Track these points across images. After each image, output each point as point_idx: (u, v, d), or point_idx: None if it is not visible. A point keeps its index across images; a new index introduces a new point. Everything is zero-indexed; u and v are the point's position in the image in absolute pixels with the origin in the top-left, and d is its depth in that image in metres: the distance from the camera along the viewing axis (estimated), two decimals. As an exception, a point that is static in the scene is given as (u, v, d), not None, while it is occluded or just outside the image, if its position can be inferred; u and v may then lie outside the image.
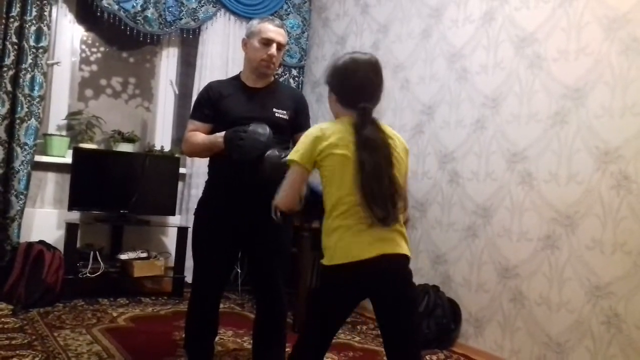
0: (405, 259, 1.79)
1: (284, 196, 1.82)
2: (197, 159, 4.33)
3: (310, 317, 1.87)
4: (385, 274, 1.75)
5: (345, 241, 1.74)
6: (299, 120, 2.52)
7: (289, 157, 1.82)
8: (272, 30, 2.39)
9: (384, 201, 1.71)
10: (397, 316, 1.76)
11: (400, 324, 1.77)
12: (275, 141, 2.37)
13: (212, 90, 2.45)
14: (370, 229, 1.72)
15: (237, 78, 2.52)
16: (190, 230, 4.07)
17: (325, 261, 1.78)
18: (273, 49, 2.38)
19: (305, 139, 1.81)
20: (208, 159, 2.52)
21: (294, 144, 2.54)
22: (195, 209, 2.51)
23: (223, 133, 2.28)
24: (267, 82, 2.48)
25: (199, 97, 2.50)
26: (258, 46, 2.39)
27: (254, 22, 2.46)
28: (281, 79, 4.70)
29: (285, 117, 2.43)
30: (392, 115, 3.96)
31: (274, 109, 2.40)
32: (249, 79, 2.46)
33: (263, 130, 2.20)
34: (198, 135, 2.40)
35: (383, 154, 1.76)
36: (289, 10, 4.79)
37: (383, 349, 1.85)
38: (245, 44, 2.47)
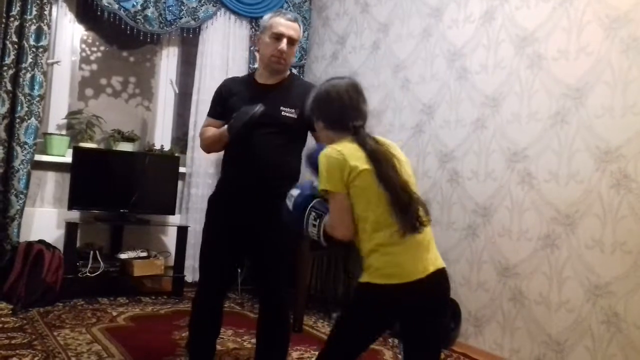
0: (446, 273, 1.82)
1: (339, 228, 1.76)
2: (197, 159, 4.34)
3: (342, 336, 1.81)
4: (438, 290, 1.78)
5: (393, 259, 1.72)
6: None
7: (321, 187, 1.77)
8: (283, 24, 2.33)
9: (407, 209, 1.71)
10: (432, 328, 1.79)
11: (433, 335, 1.80)
12: (281, 143, 2.35)
13: (224, 88, 2.46)
14: (408, 243, 1.71)
15: (252, 75, 2.51)
16: (189, 230, 4.12)
17: (373, 279, 1.73)
18: (283, 43, 2.31)
19: (328, 166, 1.75)
20: (222, 160, 2.52)
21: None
22: (207, 207, 2.51)
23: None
24: (281, 78, 2.42)
25: (214, 94, 2.52)
26: (268, 41, 2.33)
27: (266, 16, 2.40)
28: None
29: (294, 115, 2.35)
30: (392, 114, 3.96)
31: (282, 108, 2.33)
32: (262, 75, 2.42)
33: (253, 107, 2.21)
34: (210, 129, 2.44)
35: (390, 164, 1.76)
36: (289, 9, 4.78)
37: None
38: (258, 39, 2.43)
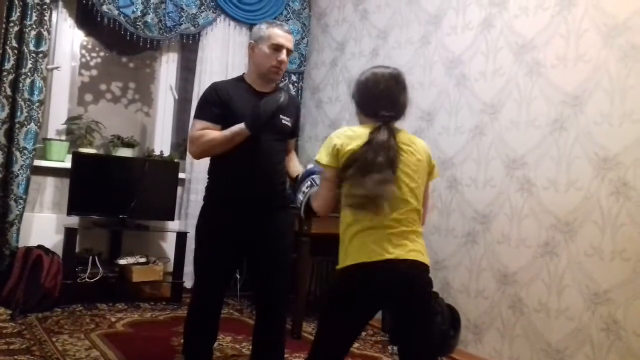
0: (422, 266, 1.85)
1: (318, 200, 1.91)
2: (196, 164, 4.33)
3: (325, 331, 1.84)
4: (411, 278, 1.80)
5: (366, 241, 1.79)
6: (296, 127, 2.60)
7: (316, 158, 1.89)
8: (282, 35, 2.36)
9: (374, 199, 1.77)
10: (420, 331, 1.83)
11: (421, 339, 1.83)
12: (281, 150, 2.41)
13: (221, 91, 2.38)
14: (382, 230, 1.78)
15: (242, 80, 2.46)
16: (189, 236, 4.10)
17: (347, 263, 1.81)
18: (283, 54, 2.35)
19: (328, 140, 1.87)
20: (208, 165, 2.51)
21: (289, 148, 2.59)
22: (199, 214, 2.49)
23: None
24: (274, 87, 2.48)
25: (206, 97, 2.42)
26: (268, 52, 2.34)
27: (262, 26, 2.41)
28: (281, 85, 4.70)
29: (289, 124, 2.44)
30: (391, 121, 3.97)
31: (281, 116, 2.36)
32: (255, 82, 2.42)
33: (276, 98, 2.22)
34: (212, 132, 2.33)
35: (387, 155, 1.80)
36: (288, 16, 4.80)
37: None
38: (252, 47, 2.40)
